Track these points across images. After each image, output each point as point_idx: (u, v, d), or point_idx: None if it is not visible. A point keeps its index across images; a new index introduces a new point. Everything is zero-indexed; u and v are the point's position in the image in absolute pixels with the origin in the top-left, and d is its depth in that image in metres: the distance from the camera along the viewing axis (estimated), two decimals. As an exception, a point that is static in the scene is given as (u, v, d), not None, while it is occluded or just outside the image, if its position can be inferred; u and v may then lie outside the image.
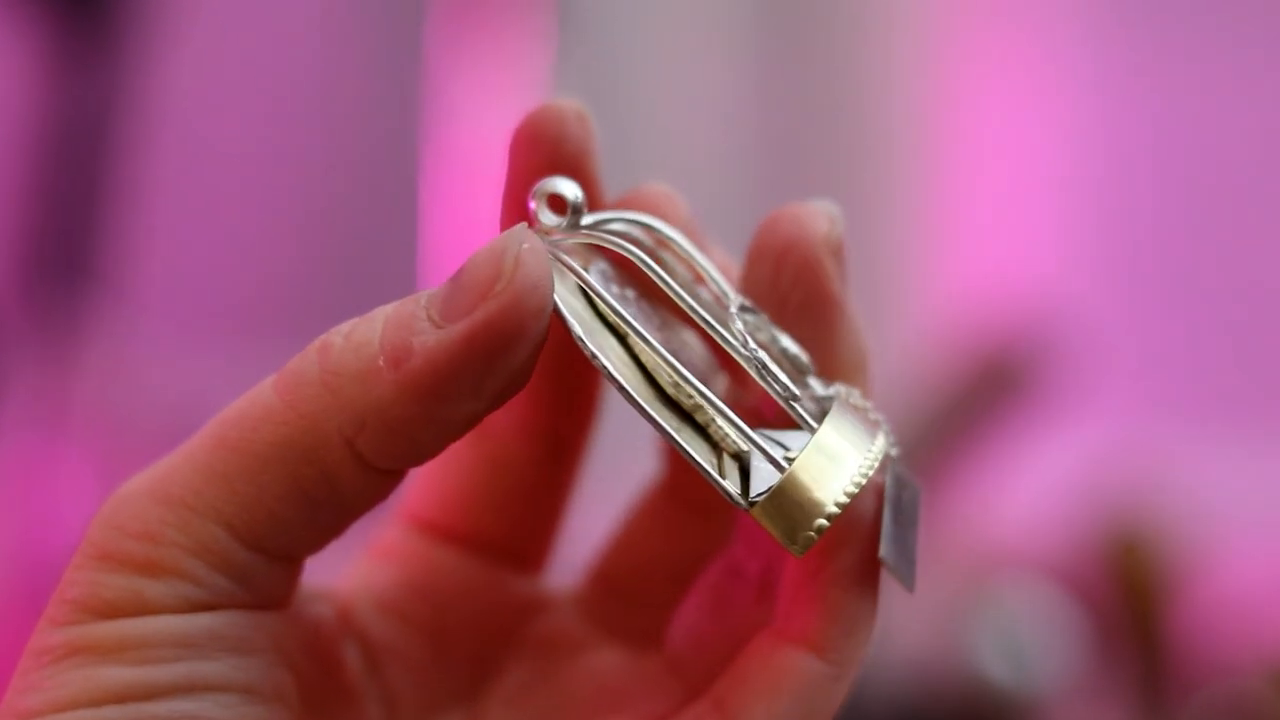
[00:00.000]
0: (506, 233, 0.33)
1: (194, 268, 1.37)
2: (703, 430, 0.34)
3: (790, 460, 0.33)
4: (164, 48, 1.30)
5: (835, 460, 0.33)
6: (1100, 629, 1.15)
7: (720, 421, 0.34)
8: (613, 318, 0.34)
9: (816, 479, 0.32)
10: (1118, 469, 1.24)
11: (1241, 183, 1.44)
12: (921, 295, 1.46)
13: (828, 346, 0.36)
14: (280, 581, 0.34)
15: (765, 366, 0.34)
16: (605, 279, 0.35)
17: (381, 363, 0.32)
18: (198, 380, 1.13)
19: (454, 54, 1.32)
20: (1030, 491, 1.26)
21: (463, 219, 1.26)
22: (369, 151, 1.41)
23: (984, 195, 1.47)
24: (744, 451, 0.34)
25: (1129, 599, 1.16)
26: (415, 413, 0.32)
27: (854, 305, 0.36)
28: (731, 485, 0.33)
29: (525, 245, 0.32)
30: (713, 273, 0.36)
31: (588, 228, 0.35)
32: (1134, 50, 1.45)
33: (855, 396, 0.36)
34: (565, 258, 0.34)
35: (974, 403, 1.20)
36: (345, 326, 0.33)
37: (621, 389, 0.33)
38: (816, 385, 0.35)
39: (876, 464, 0.33)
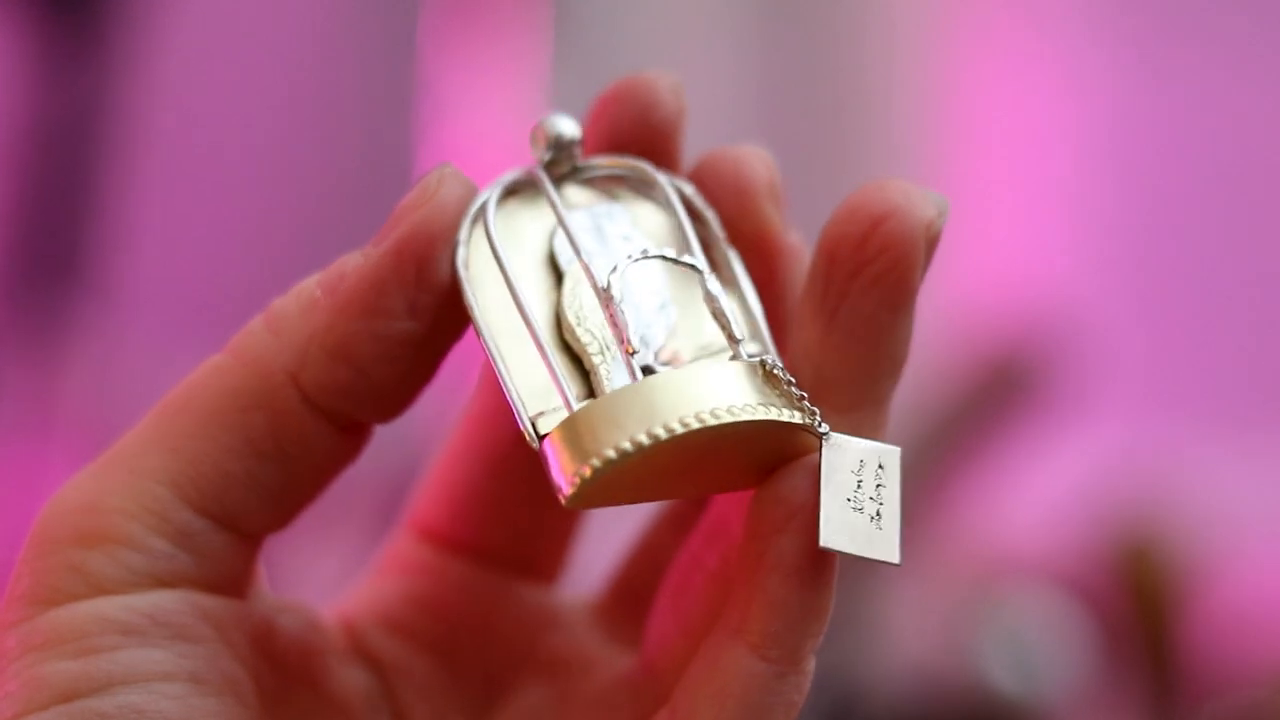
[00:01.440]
0: (435, 169, 0.34)
1: (182, 270, 1.37)
2: (585, 376, 0.34)
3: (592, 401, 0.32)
4: (152, 47, 1.30)
5: (636, 411, 0.31)
6: (1109, 637, 1.15)
7: (598, 377, 0.34)
8: (559, 264, 0.35)
9: (597, 427, 0.31)
10: (1127, 474, 1.24)
11: (1257, 184, 1.44)
12: (927, 296, 1.46)
13: (880, 330, 0.34)
14: (229, 557, 0.34)
15: (614, 311, 0.33)
16: (601, 221, 0.35)
17: (318, 293, 0.33)
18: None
19: (448, 51, 1.32)
20: (1038, 496, 1.26)
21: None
22: (361, 151, 1.41)
23: (992, 195, 1.47)
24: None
25: (1139, 607, 1.16)
26: (352, 330, 0.33)
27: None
28: (540, 424, 0.33)
29: (447, 170, 0.34)
30: (685, 224, 0.35)
31: (575, 176, 0.36)
32: (1146, 47, 1.45)
33: (776, 370, 0.33)
34: (549, 189, 0.35)
35: (981, 406, 1.19)
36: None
37: (471, 311, 0.34)
38: (752, 351, 0.34)
39: (697, 422, 0.31)
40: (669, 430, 0.31)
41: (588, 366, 0.34)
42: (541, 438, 0.32)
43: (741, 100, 1.44)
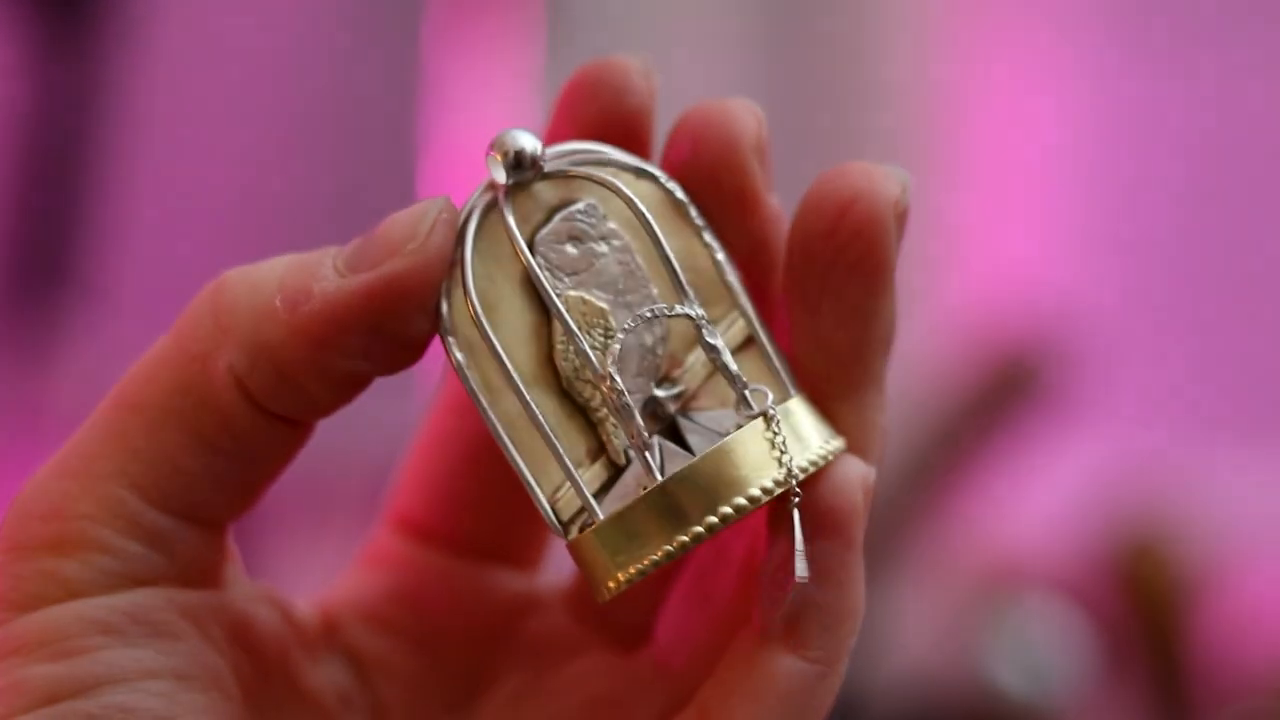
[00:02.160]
0: (429, 199, 0.33)
1: (175, 269, 1.37)
2: (593, 428, 0.34)
3: (635, 500, 0.32)
4: (146, 44, 1.30)
5: (673, 514, 0.32)
6: (1115, 643, 1.15)
7: (605, 432, 0.34)
8: (542, 291, 0.34)
9: (637, 533, 0.32)
10: (1133, 478, 1.23)
11: (1269, 186, 1.44)
12: (931, 298, 1.46)
13: (866, 316, 0.34)
14: (199, 550, 0.34)
15: (623, 408, 0.33)
16: (577, 226, 0.35)
17: (278, 302, 0.32)
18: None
19: (450, 48, 1.32)
20: (1044, 501, 1.26)
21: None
22: (361, 149, 1.41)
23: (997, 194, 1.47)
24: (622, 463, 0.34)
25: (1144, 612, 1.16)
26: (304, 358, 0.32)
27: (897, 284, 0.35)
28: (561, 508, 0.33)
29: (444, 214, 0.33)
30: (670, 257, 0.35)
31: (546, 178, 0.35)
32: (1156, 44, 1.45)
33: (776, 422, 0.34)
34: (510, 221, 0.34)
35: (986, 409, 1.19)
36: (245, 267, 0.34)
37: (464, 380, 0.33)
38: (756, 401, 0.34)
39: (725, 520, 0.32)
40: (708, 526, 0.32)
41: (592, 419, 0.34)
42: (566, 527, 0.33)
43: (743, 94, 1.44)
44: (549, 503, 0.33)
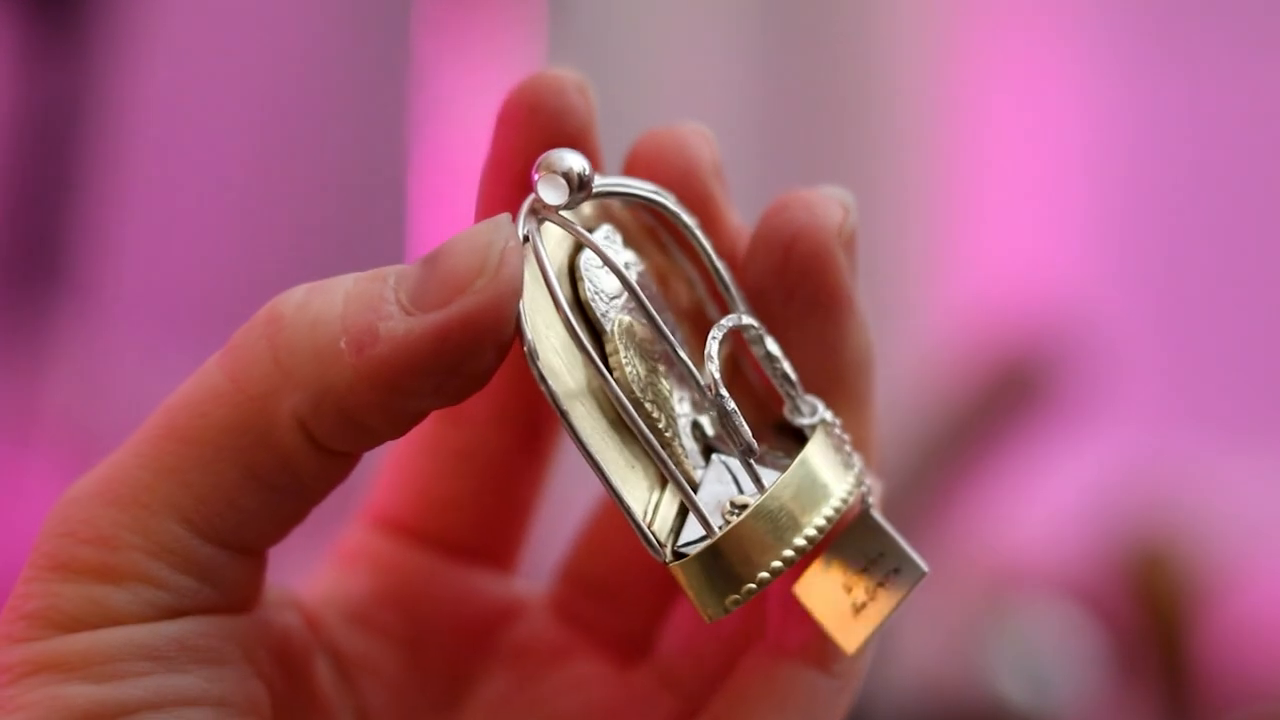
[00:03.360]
0: (490, 223, 0.32)
1: (167, 270, 1.37)
2: (646, 455, 0.34)
3: (728, 522, 0.33)
4: (137, 43, 1.30)
5: (774, 529, 0.32)
6: (1122, 649, 1.15)
7: (676, 455, 0.34)
8: (595, 317, 0.34)
9: (745, 550, 0.32)
10: (1141, 481, 1.24)
11: (1277, 185, 1.44)
12: (934, 297, 1.46)
13: (833, 345, 0.35)
14: (246, 577, 0.34)
15: (728, 416, 0.33)
16: (610, 252, 0.35)
17: (343, 345, 0.32)
18: (171, 387, 1.12)
19: (442, 46, 1.32)
20: (1049, 504, 1.26)
21: (452, 220, 1.26)
22: (352, 149, 1.41)
23: (1001, 191, 1.47)
24: (696, 484, 0.34)
25: (1152, 617, 1.16)
26: (372, 401, 0.32)
27: (863, 302, 0.35)
28: (659, 530, 0.33)
29: (510, 242, 0.32)
30: (723, 273, 0.35)
31: (595, 198, 0.34)
32: (1164, 39, 1.45)
33: (835, 429, 0.35)
34: (599, 245, 0.34)
35: (990, 412, 1.19)
36: (297, 294, 0.33)
37: (564, 417, 0.32)
38: (806, 408, 0.35)
39: (821, 531, 0.33)
40: (809, 539, 0.33)
41: (654, 444, 0.33)
42: (664, 549, 0.33)
43: (740, 97, 1.44)
44: (646, 526, 0.33)
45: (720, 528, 0.32)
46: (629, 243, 0.36)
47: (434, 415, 0.39)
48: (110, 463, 0.33)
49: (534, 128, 0.35)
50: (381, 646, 0.39)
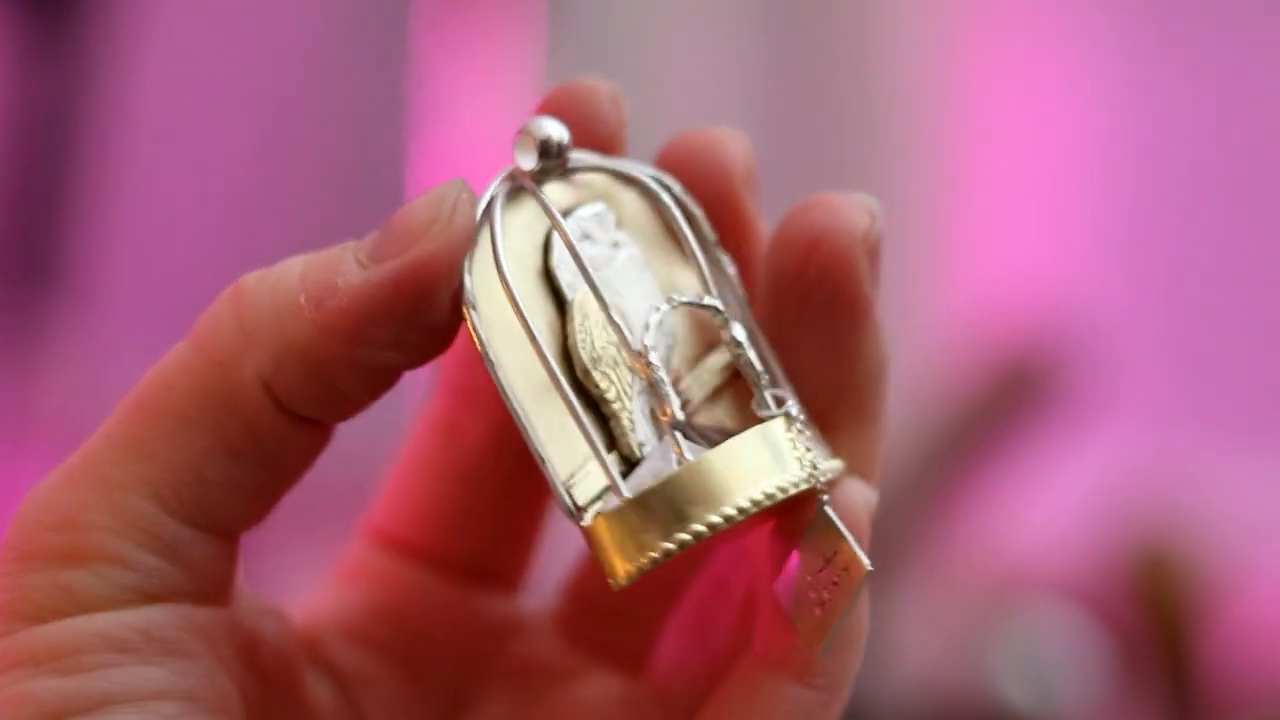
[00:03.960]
0: (446, 182, 0.33)
1: (162, 272, 1.37)
2: (604, 423, 0.34)
3: (639, 492, 0.32)
4: (134, 41, 1.30)
5: (680, 506, 0.32)
6: (1126, 653, 1.15)
7: (620, 426, 0.33)
8: (560, 287, 0.34)
9: (650, 522, 0.32)
10: (1145, 483, 1.23)
11: None
12: (935, 298, 1.46)
13: (847, 354, 0.35)
14: (216, 562, 0.34)
15: (654, 385, 0.33)
16: (595, 226, 0.35)
17: (302, 300, 0.32)
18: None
19: (441, 47, 1.32)
20: (1052, 506, 1.26)
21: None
22: (350, 149, 1.41)
23: (1003, 192, 1.47)
24: (637, 458, 0.33)
25: (1156, 621, 1.16)
26: (335, 353, 0.32)
27: (881, 311, 0.35)
28: (583, 494, 0.33)
29: (464, 194, 0.33)
30: (699, 257, 0.35)
31: (569, 171, 0.35)
32: (1164, 36, 1.45)
33: (798, 424, 0.34)
34: (549, 204, 0.34)
35: (994, 412, 1.19)
36: (261, 270, 0.33)
37: (490, 367, 0.33)
38: (772, 402, 0.34)
39: (729, 519, 0.32)
40: (726, 517, 0.32)
41: (605, 413, 0.34)
42: (580, 511, 0.33)
43: (740, 98, 1.44)
44: (565, 486, 0.33)
45: (629, 497, 0.32)
46: (624, 225, 0.36)
47: (435, 432, 0.39)
48: (80, 449, 0.33)
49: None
50: (381, 663, 0.38)
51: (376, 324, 0.32)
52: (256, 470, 0.33)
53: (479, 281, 0.33)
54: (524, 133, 0.34)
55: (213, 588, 0.34)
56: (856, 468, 0.35)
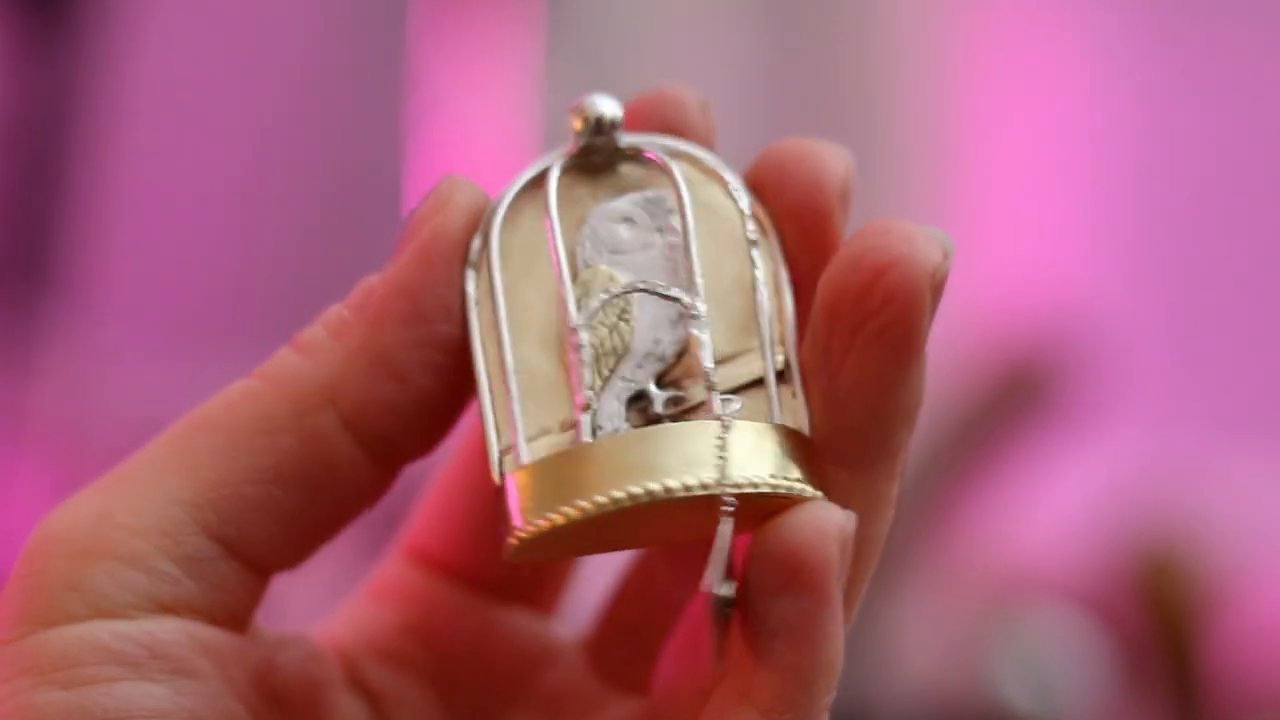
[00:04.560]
0: (439, 180, 0.34)
1: (158, 272, 1.37)
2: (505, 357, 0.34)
3: (538, 458, 0.32)
4: (129, 42, 1.30)
5: (584, 476, 0.32)
6: (1129, 655, 1.15)
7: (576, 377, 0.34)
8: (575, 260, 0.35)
9: (549, 490, 0.32)
10: (1148, 485, 1.24)
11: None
12: (939, 302, 1.46)
13: (888, 386, 0.33)
14: (238, 591, 0.33)
15: (579, 359, 0.33)
16: (637, 210, 0.35)
17: (347, 314, 0.34)
18: (161, 390, 1.12)
19: (439, 45, 1.32)
20: (1055, 509, 1.26)
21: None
22: (347, 150, 1.41)
23: (1007, 190, 1.47)
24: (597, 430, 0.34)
25: (1159, 623, 1.16)
26: (392, 341, 0.33)
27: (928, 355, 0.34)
28: (506, 459, 0.33)
29: (459, 181, 0.34)
30: (693, 246, 0.35)
31: (619, 150, 0.35)
32: (1167, 36, 1.45)
33: (729, 421, 0.33)
34: (552, 178, 0.35)
35: (997, 414, 1.19)
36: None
37: (467, 317, 0.34)
38: (719, 406, 0.34)
39: (600, 506, 0.31)
40: (616, 499, 0.31)
41: (504, 343, 0.34)
42: (502, 477, 0.33)
43: (740, 99, 1.44)
44: (500, 451, 0.33)
45: (523, 463, 0.32)
46: (697, 215, 0.35)
47: (475, 454, 0.38)
48: (127, 459, 0.34)
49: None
50: (412, 683, 0.38)
51: (420, 298, 0.33)
52: (301, 498, 0.33)
53: (494, 252, 0.34)
54: (577, 107, 0.35)
55: (227, 612, 0.33)
56: (863, 511, 0.34)
